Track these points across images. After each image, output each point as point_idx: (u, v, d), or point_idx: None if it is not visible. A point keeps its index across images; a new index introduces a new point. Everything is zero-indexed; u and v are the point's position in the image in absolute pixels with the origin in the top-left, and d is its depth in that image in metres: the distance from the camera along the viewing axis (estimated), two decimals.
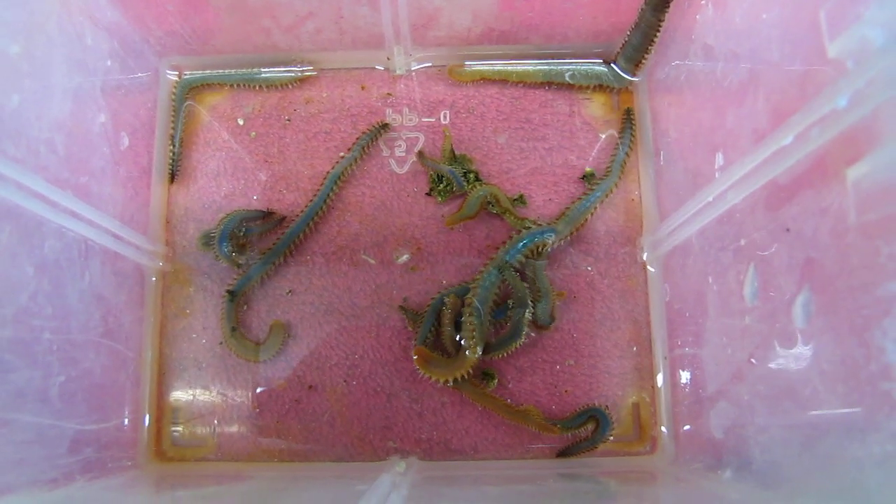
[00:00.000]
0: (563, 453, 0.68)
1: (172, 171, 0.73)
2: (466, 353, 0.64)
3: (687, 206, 0.62)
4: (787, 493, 0.48)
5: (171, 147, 0.73)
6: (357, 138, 0.73)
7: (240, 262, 0.70)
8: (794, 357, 0.48)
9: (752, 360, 0.53)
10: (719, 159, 0.57)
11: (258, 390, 0.70)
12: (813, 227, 0.45)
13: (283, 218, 0.72)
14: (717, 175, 0.57)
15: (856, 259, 0.41)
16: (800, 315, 0.47)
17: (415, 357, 0.66)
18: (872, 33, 0.40)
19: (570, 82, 0.73)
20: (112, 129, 0.65)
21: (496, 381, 0.69)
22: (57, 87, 0.57)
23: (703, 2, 0.61)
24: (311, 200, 0.72)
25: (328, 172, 0.72)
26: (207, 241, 0.71)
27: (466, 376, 0.65)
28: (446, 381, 0.65)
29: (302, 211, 0.72)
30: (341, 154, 0.73)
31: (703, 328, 0.61)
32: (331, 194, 0.72)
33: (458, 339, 0.66)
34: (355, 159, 0.73)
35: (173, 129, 0.74)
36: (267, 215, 0.72)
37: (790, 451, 0.48)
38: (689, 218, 0.62)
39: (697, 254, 0.62)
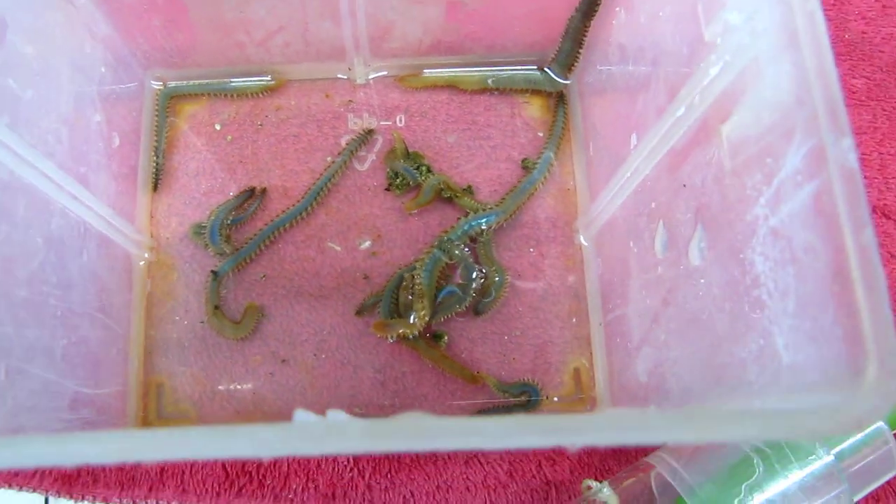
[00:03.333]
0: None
1: (156, 181, 0.82)
2: (414, 315, 0.74)
3: (610, 185, 0.72)
4: (692, 407, 0.57)
5: (155, 159, 0.82)
6: (346, 144, 0.82)
7: (227, 250, 0.78)
8: (694, 290, 0.57)
9: (665, 302, 0.62)
10: (634, 140, 0.67)
11: (236, 366, 0.78)
12: (701, 179, 0.55)
13: (264, 190, 0.81)
14: (632, 153, 0.67)
15: (731, 195, 0.51)
16: (696, 254, 0.57)
17: (372, 327, 0.75)
18: (732, 16, 0.50)
19: (511, 87, 0.83)
20: (106, 128, 0.73)
21: (446, 338, 0.77)
22: (62, 87, 0.66)
23: (616, 8, 0.71)
24: (297, 202, 0.80)
25: (321, 174, 0.81)
26: (199, 231, 0.79)
27: (418, 334, 0.74)
28: (401, 336, 0.74)
29: (286, 209, 0.80)
30: (329, 159, 0.82)
31: (628, 288, 0.70)
32: (320, 195, 0.80)
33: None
34: (345, 162, 0.82)
35: (157, 141, 0.82)
36: (250, 195, 0.81)
37: (696, 372, 0.58)
38: (613, 196, 0.71)
39: (621, 225, 0.71)
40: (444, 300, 0.77)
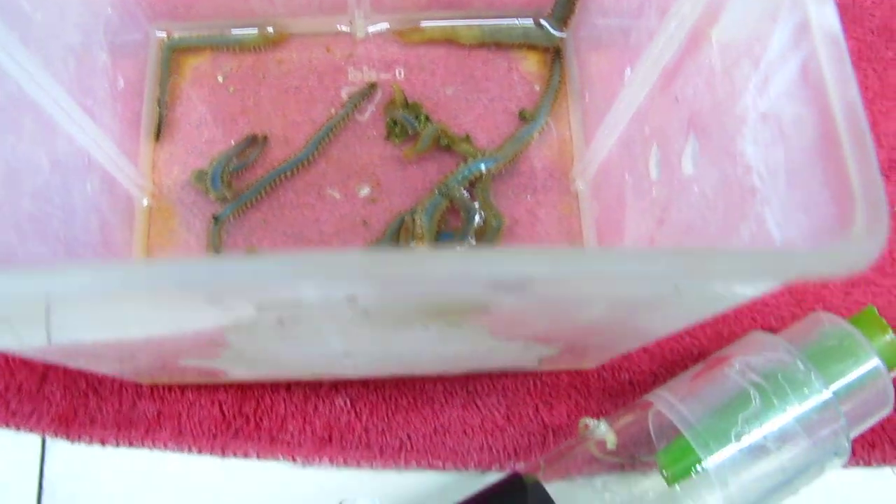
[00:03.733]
0: None
1: (158, 131, 0.83)
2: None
3: (605, 122, 0.73)
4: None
5: (158, 109, 0.83)
6: (349, 97, 0.84)
7: (228, 195, 0.80)
8: (688, 200, 0.58)
9: (660, 222, 0.63)
10: (628, 73, 0.68)
11: None
12: (693, 87, 0.56)
13: (266, 138, 0.83)
14: (625, 86, 0.68)
15: (721, 93, 0.52)
16: (689, 164, 0.58)
17: None
18: None
19: (508, 41, 0.85)
20: (111, 69, 0.75)
21: None
22: (70, 18, 0.67)
23: None
24: (299, 151, 0.82)
25: (322, 125, 0.82)
26: (201, 177, 0.81)
27: None
28: None
29: (287, 158, 0.82)
30: (332, 110, 0.84)
31: (624, 223, 0.71)
32: (321, 144, 0.82)
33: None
34: (347, 114, 0.83)
35: (160, 92, 0.84)
36: (251, 143, 0.82)
37: None
38: (608, 133, 0.73)
39: (616, 161, 0.72)
40: (444, 244, 0.78)
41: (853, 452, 0.75)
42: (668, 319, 0.53)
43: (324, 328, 0.50)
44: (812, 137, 0.43)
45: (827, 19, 0.41)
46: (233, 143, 0.82)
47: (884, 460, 0.75)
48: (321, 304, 0.43)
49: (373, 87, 0.84)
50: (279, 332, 0.51)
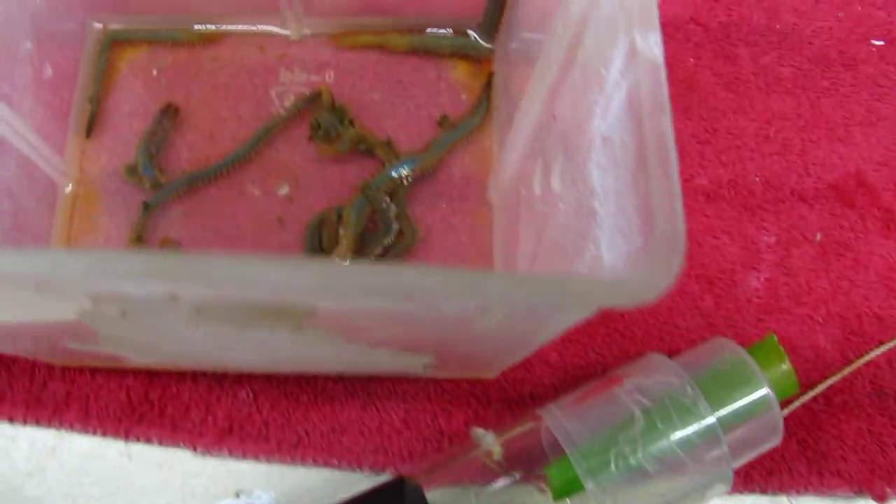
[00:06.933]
0: None
1: (89, 128, 0.85)
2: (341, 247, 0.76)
3: (512, 136, 0.74)
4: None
5: (90, 106, 0.85)
6: (294, 101, 0.85)
7: (162, 180, 0.81)
8: (556, 218, 0.59)
9: (539, 238, 0.64)
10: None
11: None
12: (566, 106, 0.57)
13: (177, 109, 0.85)
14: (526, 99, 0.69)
15: (580, 113, 0.53)
16: (557, 181, 0.59)
17: None
18: None
19: (437, 50, 0.86)
20: (37, 57, 0.77)
21: None
22: None
23: None
24: (237, 148, 0.83)
25: (258, 128, 0.84)
26: (131, 171, 0.82)
27: None
28: None
29: (228, 153, 0.83)
30: (277, 111, 0.85)
31: (517, 239, 0.72)
32: (259, 144, 0.83)
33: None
34: (290, 117, 0.84)
35: (94, 87, 0.85)
36: (165, 112, 0.84)
37: None
38: (514, 141, 0.74)
39: (517, 175, 0.73)
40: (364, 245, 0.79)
41: (751, 479, 0.75)
42: (502, 339, 0.53)
43: (172, 322, 0.51)
44: (632, 165, 0.43)
45: (650, 47, 0.42)
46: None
47: (780, 488, 0.75)
48: (148, 301, 0.45)
49: (318, 94, 0.85)
50: (132, 324, 0.52)
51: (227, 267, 0.36)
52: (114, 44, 0.87)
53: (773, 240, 0.83)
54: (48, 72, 0.79)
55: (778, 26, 0.92)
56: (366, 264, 0.44)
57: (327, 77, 0.87)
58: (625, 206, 0.44)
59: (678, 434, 0.67)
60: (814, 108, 0.89)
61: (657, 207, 0.40)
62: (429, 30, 0.87)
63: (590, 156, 0.50)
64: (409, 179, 0.80)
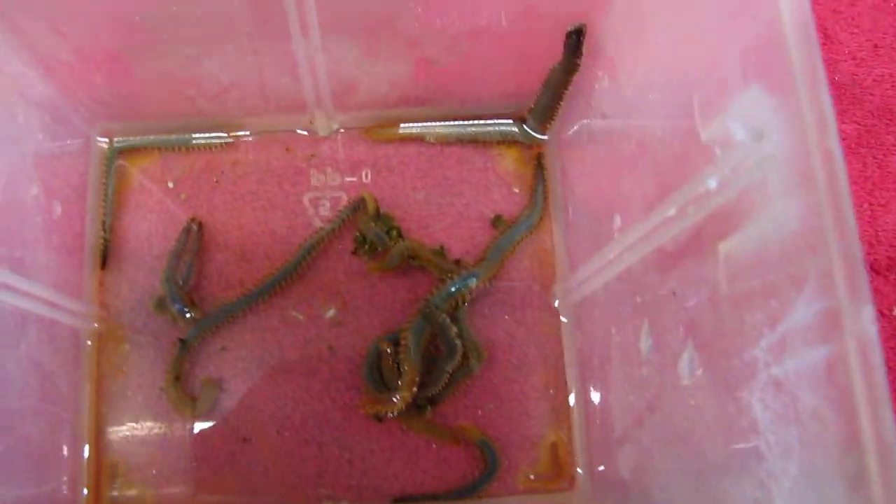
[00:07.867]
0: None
1: (104, 258, 0.76)
2: (399, 392, 0.69)
3: (592, 261, 0.67)
4: None
5: (103, 234, 0.75)
6: (339, 211, 0.76)
7: (196, 315, 0.73)
8: (683, 408, 0.53)
9: (651, 409, 0.58)
10: (617, 221, 0.62)
11: (194, 445, 0.73)
12: (694, 293, 0.51)
13: (201, 224, 0.76)
14: (615, 236, 0.62)
15: (727, 325, 0.47)
16: (686, 370, 0.52)
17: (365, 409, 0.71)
18: (734, 126, 0.45)
19: (484, 138, 0.77)
20: (44, 199, 0.67)
21: (430, 408, 0.73)
22: None
23: (599, 72, 0.66)
24: (281, 266, 0.75)
25: (294, 244, 0.75)
26: (161, 304, 0.74)
27: (403, 408, 0.69)
28: (386, 413, 0.69)
29: (269, 275, 0.74)
30: (319, 225, 0.76)
31: (610, 374, 0.66)
32: (303, 263, 0.75)
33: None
34: (333, 230, 0.76)
35: (104, 211, 0.76)
36: (187, 233, 0.75)
37: (684, 491, 0.54)
38: (593, 273, 0.67)
39: (602, 306, 0.67)
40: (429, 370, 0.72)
41: None
42: None
43: None
44: (834, 449, 0.37)
45: (864, 325, 0.36)
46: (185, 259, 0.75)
47: None
48: None
49: (361, 201, 0.76)
50: None
51: None
52: (122, 154, 0.77)
53: None
54: (57, 210, 0.70)
55: (837, 78, 0.86)
56: None
57: (364, 177, 0.78)
58: (820, 487, 0.39)
59: None
60: (881, 167, 0.83)
61: None
62: (472, 122, 0.78)
63: (748, 384, 0.44)
64: (472, 294, 0.73)
